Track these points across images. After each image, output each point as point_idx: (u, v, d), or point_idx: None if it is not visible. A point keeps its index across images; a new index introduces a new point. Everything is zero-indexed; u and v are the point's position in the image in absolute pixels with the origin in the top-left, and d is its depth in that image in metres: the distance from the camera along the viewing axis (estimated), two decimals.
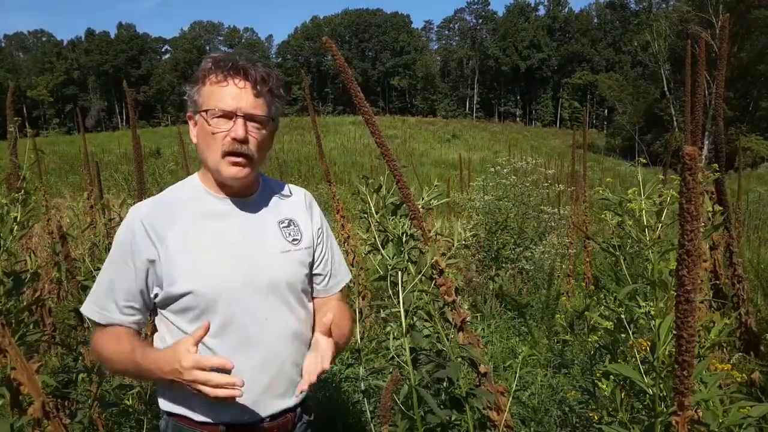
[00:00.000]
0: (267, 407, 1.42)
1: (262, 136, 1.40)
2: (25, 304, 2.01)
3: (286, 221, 1.50)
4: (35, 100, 71.65)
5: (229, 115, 1.35)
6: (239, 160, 1.37)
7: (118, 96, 76.82)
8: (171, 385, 1.34)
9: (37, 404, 1.76)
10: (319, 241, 1.56)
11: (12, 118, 2.51)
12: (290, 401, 1.46)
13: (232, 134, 1.34)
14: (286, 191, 1.58)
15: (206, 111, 1.35)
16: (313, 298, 1.58)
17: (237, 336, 1.37)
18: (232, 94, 1.34)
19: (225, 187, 1.43)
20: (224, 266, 1.37)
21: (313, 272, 1.56)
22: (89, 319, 1.42)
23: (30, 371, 1.78)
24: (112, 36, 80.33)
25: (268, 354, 1.41)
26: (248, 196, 1.47)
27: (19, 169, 2.22)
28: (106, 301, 1.38)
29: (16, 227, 1.81)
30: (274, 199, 1.52)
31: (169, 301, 1.36)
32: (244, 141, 1.35)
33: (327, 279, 1.58)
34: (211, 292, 1.34)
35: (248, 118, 1.36)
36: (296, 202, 1.56)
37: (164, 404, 1.42)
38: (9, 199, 1.82)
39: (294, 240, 1.48)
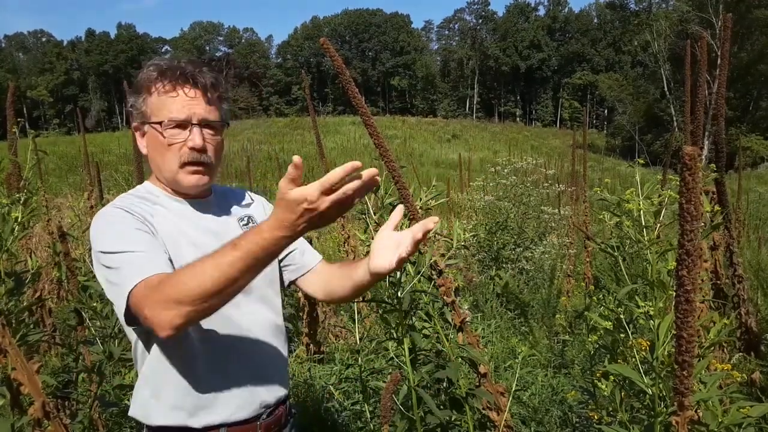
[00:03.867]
0: (263, 400, 1.40)
1: (217, 142, 1.38)
2: (25, 304, 2.01)
3: (245, 218, 1.50)
4: (35, 101, 71.64)
5: (183, 125, 1.32)
6: (199, 168, 1.35)
7: (118, 96, 76.74)
8: (161, 392, 1.31)
9: (38, 404, 1.76)
10: None
11: (12, 118, 2.51)
12: (282, 391, 1.46)
13: (189, 143, 1.32)
14: (234, 193, 1.58)
15: (159, 123, 1.31)
16: (295, 283, 1.56)
17: (223, 336, 1.35)
18: (183, 103, 1.31)
19: (181, 193, 1.41)
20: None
21: (283, 255, 1.53)
22: (138, 283, 1.12)
23: (30, 371, 1.78)
24: (112, 36, 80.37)
25: (255, 348, 1.40)
26: (205, 197, 1.45)
27: (19, 169, 2.22)
28: (154, 256, 1.20)
29: (17, 227, 1.81)
30: (227, 201, 1.52)
31: None
32: (203, 149, 1.33)
33: (301, 253, 1.55)
34: None
35: (203, 125, 1.34)
36: (247, 201, 1.56)
37: (153, 418, 1.33)
38: (10, 200, 1.82)
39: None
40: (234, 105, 79.35)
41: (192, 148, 1.32)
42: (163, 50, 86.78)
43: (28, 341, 1.96)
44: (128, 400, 2.65)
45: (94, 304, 2.07)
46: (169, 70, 1.32)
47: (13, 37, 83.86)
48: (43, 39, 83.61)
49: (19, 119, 2.49)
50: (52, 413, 1.79)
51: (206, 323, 1.31)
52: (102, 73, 76.55)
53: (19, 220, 1.82)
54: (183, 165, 1.34)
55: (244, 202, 1.54)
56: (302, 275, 1.54)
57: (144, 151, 1.39)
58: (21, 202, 1.86)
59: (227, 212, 1.48)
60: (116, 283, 1.18)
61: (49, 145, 31.48)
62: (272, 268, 1.47)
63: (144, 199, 1.38)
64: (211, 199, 1.47)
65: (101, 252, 1.23)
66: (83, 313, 2.40)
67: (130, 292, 1.13)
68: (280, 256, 1.51)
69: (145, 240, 1.23)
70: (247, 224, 1.48)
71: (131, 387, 2.51)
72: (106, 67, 76.22)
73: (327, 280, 1.51)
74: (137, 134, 1.39)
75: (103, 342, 2.11)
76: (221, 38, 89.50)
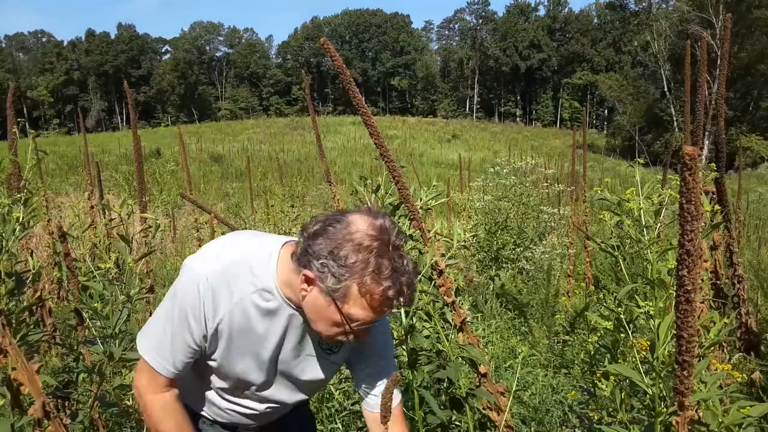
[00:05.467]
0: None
1: None
2: (25, 304, 2.01)
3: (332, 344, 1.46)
4: (35, 101, 71.61)
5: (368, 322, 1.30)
6: (348, 339, 1.34)
7: (118, 96, 76.79)
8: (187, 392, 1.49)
9: (38, 404, 1.76)
10: (365, 357, 1.51)
11: (12, 118, 2.51)
12: None
13: (361, 335, 1.31)
14: None
15: (356, 321, 1.26)
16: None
17: (248, 395, 1.49)
18: (384, 312, 1.27)
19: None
20: (254, 366, 1.40)
21: (361, 372, 1.53)
22: (151, 365, 1.36)
23: (30, 371, 1.78)
24: (113, 36, 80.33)
25: (273, 407, 1.53)
26: None
27: (20, 169, 2.22)
28: (172, 357, 1.35)
29: (18, 228, 1.81)
30: None
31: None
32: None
33: (371, 396, 1.52)
34: (233, 378, 1.42)
35: None
36: None
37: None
38: (11, 200, 1.82)
39: (327, 349, 1.46)
40: (234, 105, 79.54)
41: (359, 337, 1.32)
42: (163, 50, 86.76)
43: (29, 341, 1.96)
44: (128, 400, 2.65)
45: (95, 305, 2.07)
46: (400, 291, 1.24)
47: (13, 37, 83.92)
48: (44, 39, 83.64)
49: (18, 119, 2.49)
50: (53, 413, 1.79)
51: (225, 380, 1.45)
52: (102, 74, 76.53)
53: (20, 220, 1.82)
54: (336, 338, 1.32)
55: None
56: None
57: (303, 293, 1.29)
58: (22, 202, 1.85)
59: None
60: (151, 329, 1.39)
61: (49, 145, 31.48)
62: (326, 379, 1.51)
63: (239, 293, 1.32)
64: None
65: (165, 299, 1.37)
66: (83, 313, 2.40)
67: (146, 360, 1.37)
68: (358, 377, 1.53)
69: (182, 340, 1.34)
70: (329, 350, 1.46)
71: (131, 387, 2.51)
72: (107, 68, 76.20)
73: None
74: (304, 278, 1.27)
75: (104, 342, 2.11)
76: (221, 38, 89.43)
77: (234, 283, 1.31)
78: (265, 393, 1.47)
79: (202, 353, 1.37)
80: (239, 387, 1.45)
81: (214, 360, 1.39)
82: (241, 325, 1.33)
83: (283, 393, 1.48)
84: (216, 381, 1.45)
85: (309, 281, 1.26)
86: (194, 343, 1.34)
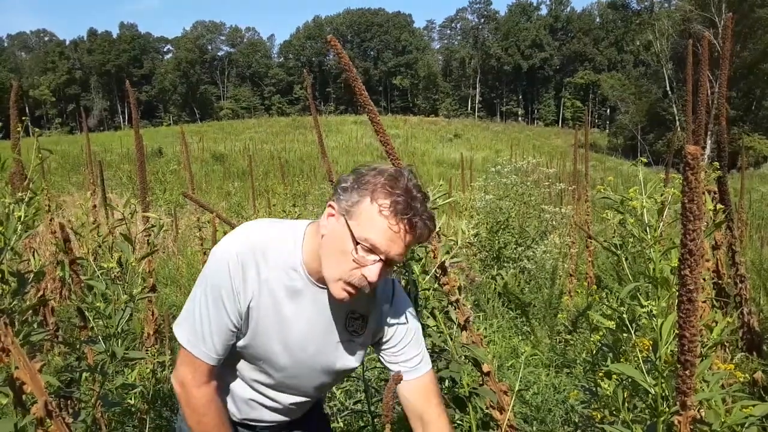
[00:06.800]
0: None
1: (387, 274, 1.36)
2: (28, 303, 2.01)
3: (357, 315, 1.47)
4: (38, 100, 71.69)
5: (374, 252, 1.27)
6: (354, 292, 1.32)
7: (120, 96, 76.84)
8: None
9: (40, 404, 1.77)
10: (387, 336, 1.52)
11: (16, 117, 2.51)
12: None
13: (365, 273, 1.28)
14: (381, 286, 1.49)
15: (362, 238, 1.26)
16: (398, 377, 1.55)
17: (274, 385, 1.49)
18: (392, 239, 1.26)
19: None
20: (281, 349, 1.41)
21: (385, 350, 1.53)
22: (194, 355, 1.36)
23: (33, 371, 1.79)
24: (115, 36, 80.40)
25: (298, 401, 1.55)
26: None
27: (23, 168, 2.22)
28: (212, 343, 1.36)
29: (20, 227, 1.81)
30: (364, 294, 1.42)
31: None
32: (371, 284, 1.31)
33: (408, 365, 1.52)
34: (260, 360, 1.43)
35: (388, 262, 1.30)
36: (376, 300, 1.49)
37: None
38: (14, 199, 1.82)
39: (353, 332, 1.47)
40: (236, 104, 79.57)
41: (363, 276, 1.29)
42: (165, 50, 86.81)
43: (31, 340, 1.96)
44: (131, 399, 2.66)
45: (98, 304, 2.08)
46: (406, 210, 1.25)
47: (15, 36, 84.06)
48: (46, 38, 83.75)
49: (23, 118, 2.49)
50: (55, 412, 1.79)
51: (252, 363, 1.46)
52: (104, 73, 76.58)
53: (22, 219, 1.82)
54: (345, 282, 1.30)
55: (369, 297, 1.45)
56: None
57: (323, 231, 1.32)
58: (25, 201, 1.86)
59: (348, 305, 1.42)
60: (186, 318, 1.39)
61: (51, 144, 31.51)
62: (353, 365, 1.50)
63: (266, 269, 1.34)
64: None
65: (197, 285, 1.38)
66: (86, 312, 2.40)
67: (184, 347, 1.38)
68: (384, 348, 1.53)
69: (219, 323, 1.35)
70: (356, 319, 1.46)
71: (133, 386, 2.52)
72: (108, 67, 76.25)
73: (423, 415, 1.50)
74: (327, 211, 1.32)
75: (106, 341, 2.11)
76: (223, 38, 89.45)
77: (261, 261, 1.34)
78: (293, 382, 1.48)
79: (238, 334, 1.38)
80: (266, 372, 1.45)
81: (242, 342, 1.39)
82: (267, 306, 1.35)
83: (311, 382, 1.50)
84: (243, 367, 1.46)
85: (331, 213, 1.32)
86: (232, 324, 1.35)
